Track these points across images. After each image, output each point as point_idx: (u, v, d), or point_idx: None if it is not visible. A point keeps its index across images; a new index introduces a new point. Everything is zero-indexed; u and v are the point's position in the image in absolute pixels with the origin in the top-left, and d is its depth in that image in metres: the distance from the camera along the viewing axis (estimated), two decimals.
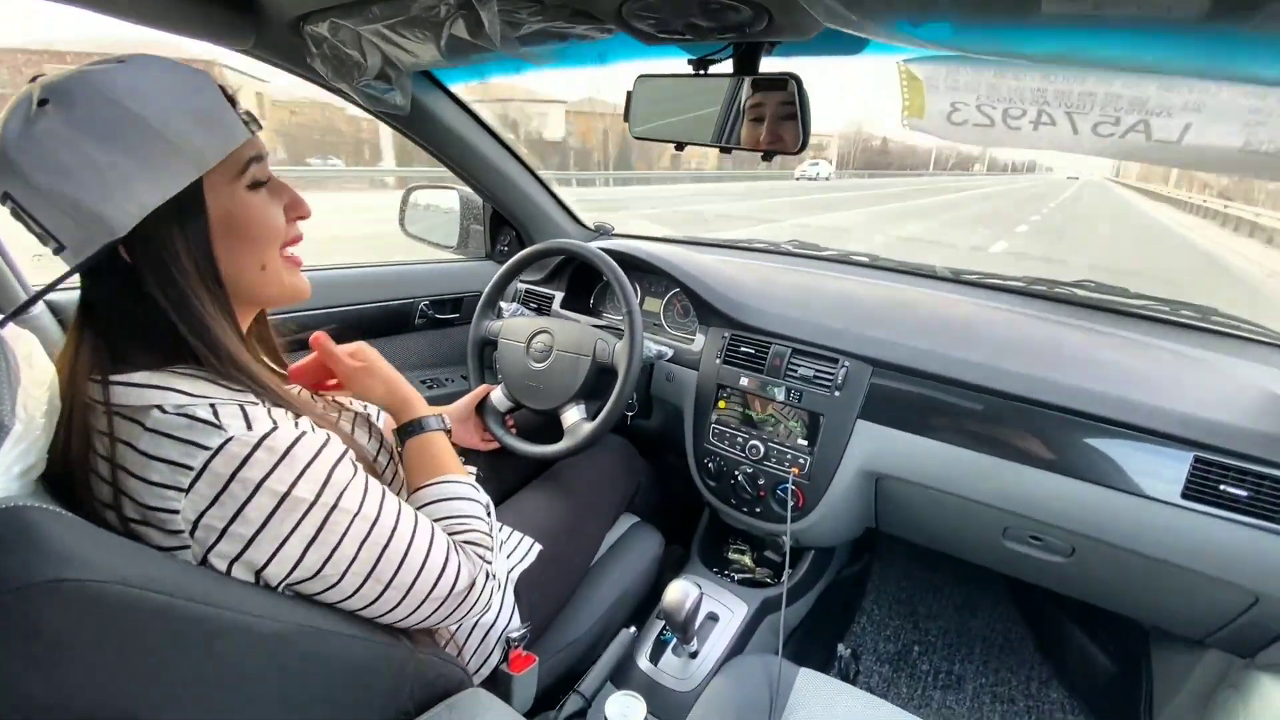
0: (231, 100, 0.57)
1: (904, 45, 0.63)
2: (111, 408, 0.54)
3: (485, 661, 0.90)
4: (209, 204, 0.56)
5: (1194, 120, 0.68)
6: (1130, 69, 0.55)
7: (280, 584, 0.56)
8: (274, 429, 0.54)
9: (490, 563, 0.69)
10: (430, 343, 1.54)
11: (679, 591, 0.95)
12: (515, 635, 0.92)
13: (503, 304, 1.37)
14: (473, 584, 0.66)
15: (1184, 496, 0.85)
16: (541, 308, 1.52)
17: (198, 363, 0.57)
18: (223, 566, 0.54)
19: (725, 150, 0.78)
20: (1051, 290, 1.25)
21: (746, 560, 1.35)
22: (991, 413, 0.98)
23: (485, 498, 0.76)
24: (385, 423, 0.86)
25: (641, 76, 0.82)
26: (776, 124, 0.70)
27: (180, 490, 0.51)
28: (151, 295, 0.55)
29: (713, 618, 1.14)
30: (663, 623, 1.11)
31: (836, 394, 1.09)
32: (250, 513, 0.52)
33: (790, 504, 1.12)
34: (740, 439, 1.20)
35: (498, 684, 0.89)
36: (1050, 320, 1.14)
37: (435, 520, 0.69)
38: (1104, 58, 0.54)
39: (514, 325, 1.24)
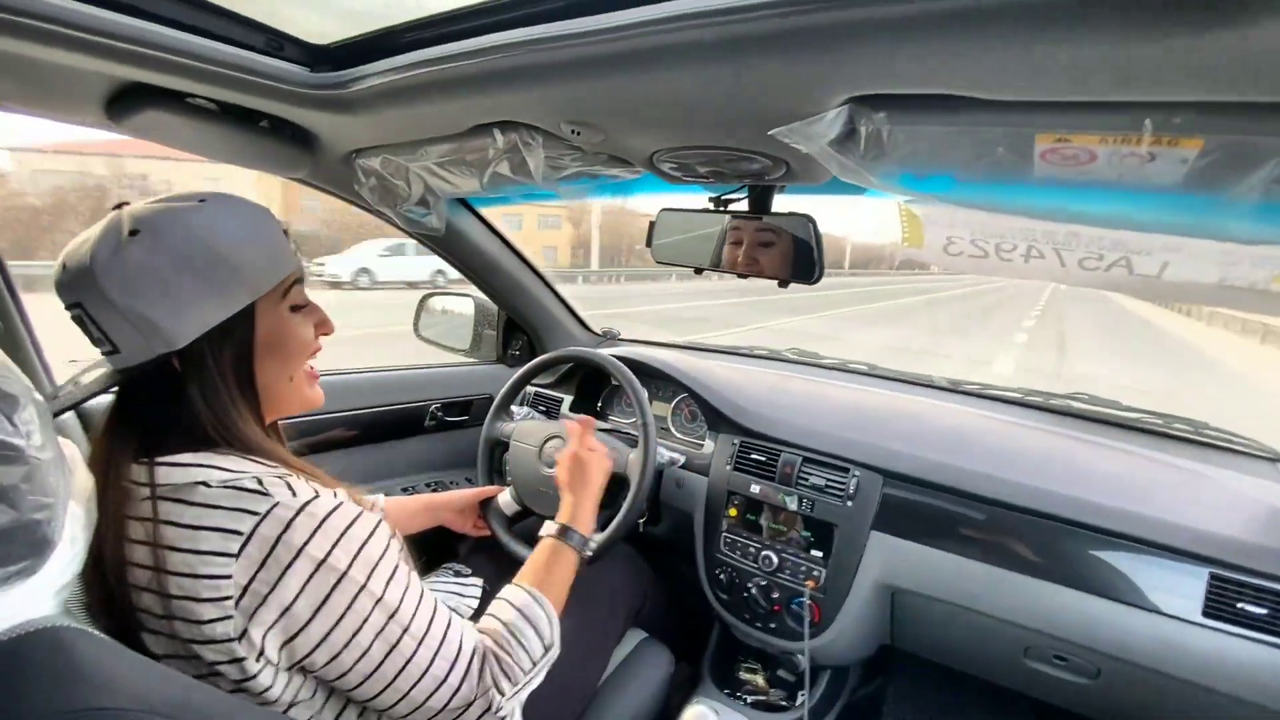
0: (284, 231, 0.65)
1: (907, 197, 0.70)
2: (156, 489, 0.57)
3: None
4: (258, 323, 0.62)
5: (1171, 259, 0.74)
6: (1114, 225, 0.61)
7: (302, 660, 0.57)
8: (315, 497, 0.57)
9: (504, 694, 0.67)
10: (439, 445, 1.55)
11: (696, 718, 0.91)
12: None
13: (514, 408, 1.40)
14: (469, 705, 0.65)
15: (1205, 615, 0.85)
16: (550, 410, 1.54)
17: (234, 449, 0.60)
18: (258, 637, 0.55)
19: (742, 276, 0.84)
20: (1047, 402, 1.29)
21: (759, 680, 1.29)
22: (1005, 525, 0.99)
23: (553, 638, 0.75)
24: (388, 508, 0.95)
25: (664, 210, 0.90)
26: (792, 254, 0.77)
27: (231, 556, 0.53)
28: (190, 397, 0.59)
29: None
30: None
31: (849, 504, 1.10)
32: (290, 579, 0.54)
33: (807, 619, 1.09)
34: (753, 549, 1.18)
35: None
36: (1048, 431, 1.18)
37: (493, 614, 0.72)
38: (1091, 215, 0.60)
39: (527, 428, 1.26)
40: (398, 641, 0.60)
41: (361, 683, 0.59)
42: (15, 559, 0.47)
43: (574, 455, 0.92)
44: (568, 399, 1.54)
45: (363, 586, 0.57)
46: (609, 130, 0.67)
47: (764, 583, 1.16)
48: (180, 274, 0.56)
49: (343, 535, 0.57)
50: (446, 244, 1.25)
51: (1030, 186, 0.60)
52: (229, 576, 0.53)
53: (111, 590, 0.57)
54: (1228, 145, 0.42)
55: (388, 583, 0.59)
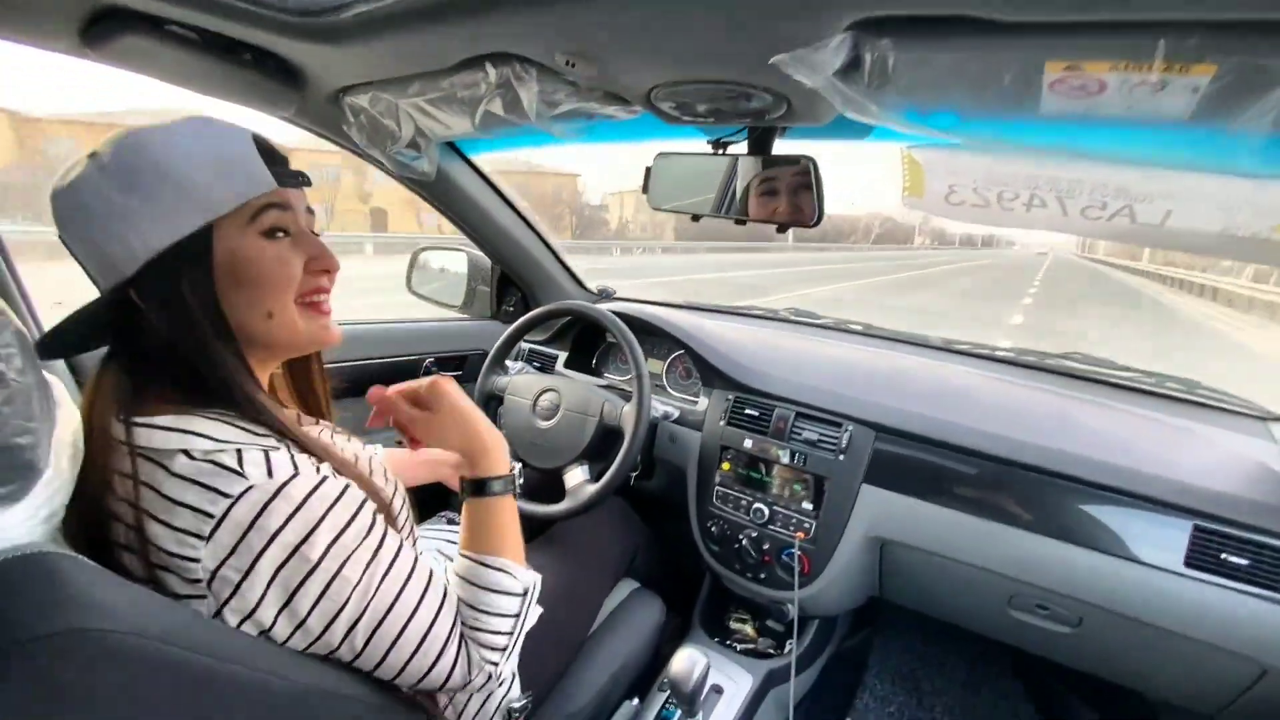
0: (274, 157, 0.59)
1: (911, 133, 0.68)
2: (135, 449, 0.54)
3: None
4: (216, 249, 0.56)
5: (1174, 206, 0.73)
6: (1122, 161, 0.60)
7: (285, 642, 0.55)
8: (294, 476, 0.54)
9: (496, 664, 0.66)
10: None
11: (686, 661, 0.93)
12: (517, 706, 0.88)
13: (509, 362, 1.39)
14: (468, 683, 0.65)
15: (1187, 565, 0.87)
16: (545, 366, 1.54)
17: (222, 406, 0.57)
18: (234, 623, 0.53)
19: (740, 222, 0.83)
20: (1041, 361, 1.29)
21: (749, 630, 1.31)
22: (993, 479, 1.00)
23: (524, 584, 0.70)
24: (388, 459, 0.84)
25: (661, 154, 0.87)
26: (792, 198, 0.75)
27: (201, 538, 0.51)
28: (157, 334, 0.56)
29: (717, 690, 1.11)
30: (665, 694, 1.07)
31: (841, 458, 1.11)
32: (262, 565, 0.52)
33: (796, 570, 1.11)
34: (745, 502, 1.20)
35: None
36: (1041, 389, 1.18)
37: (460, 597, 0.67)
38: (1097, 150, 0.59)
39: (521, 382, 1.26)
40: (380, 623, 0.58)
41: (354, 659, 0.58)
42: (1, 482, 0.47)
43: (418, 429, 0.75)
44: (563, 355, 1.53)
45: (336, 574, 0.54)
46: (605, 62, 0.65)
47: (755, 534, 1.18)
48: (126, 194, 0.53)
49: (321, 520, 0.53)
50: (438, 192, 1.22)
51: (1036, 124, 0.58)
52: (198, 560, 0.51)
53: (95, 540, 0.54)
54: (1239, 69, 0.41)
55: (366, 567, 0.56)
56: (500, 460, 0.74)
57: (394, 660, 0.60)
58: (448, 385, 0.74)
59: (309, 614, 0.54)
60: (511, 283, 1.63)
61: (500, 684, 0.67)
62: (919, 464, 1.05)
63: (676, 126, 0.87)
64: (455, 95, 0.80)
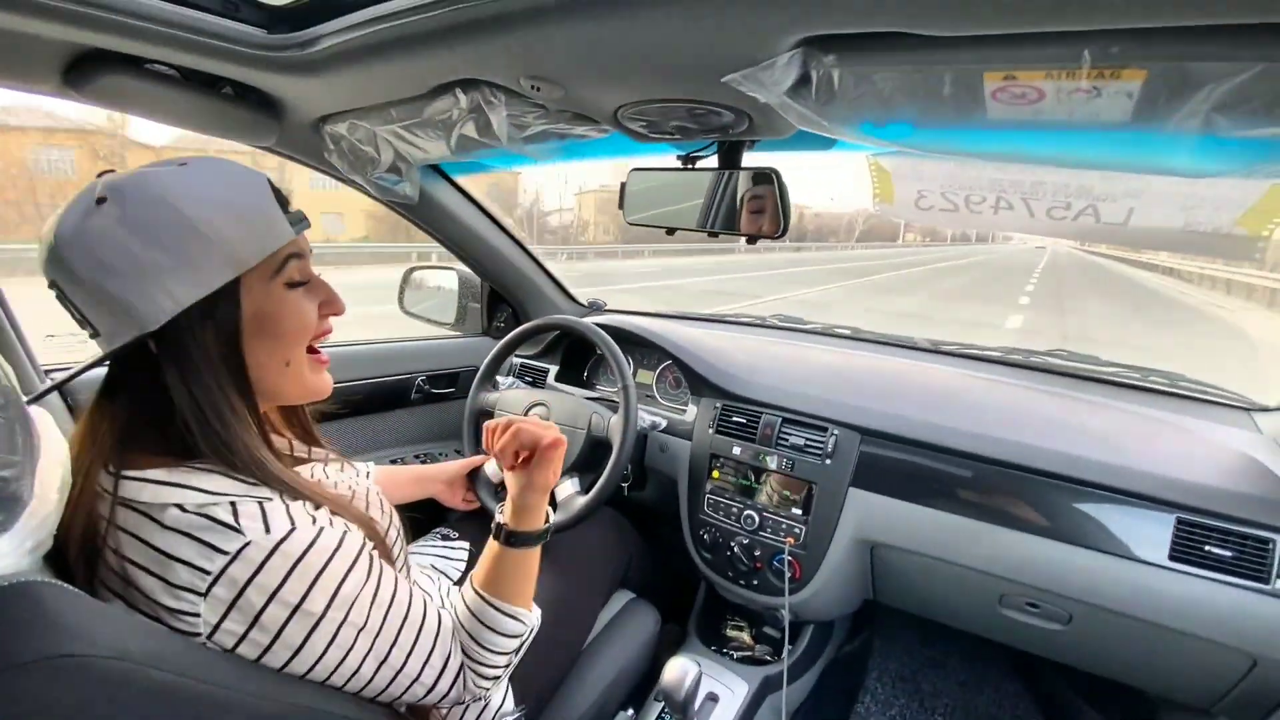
0: (284, 201, 0.59)
1: (867, 145, 0.70)
2: (120, 500, 0.54)
3: None
4: (243, 302, 0.56)
5: (1136, 205, 0.75)
6: (1071, 165, 0.62)
7: (299, 675, 0.57)
8: (291, 530, 0.54)
9: (488, 689, 0.70)
10: (426, 418, 1.56)
11: (678, 669, 0.93)
12: (510, 718, 0.89)
13: (499, 378, 1.41)
14: (461, 700, 0.69)
15: (1171, 559, 0.87)
16: (536, 381, 1.55)
17: (219, 459, 0.56)
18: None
19: (713, 235, 0.84)
20: (1027, 359, 1.30)
21: (745, 637, 1.32)
22: (979, 479, 1.00)
23: (530, 626, 0.75)
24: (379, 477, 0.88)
25: (634, 170, 0.89)
26: (758, 210, 0.77)
27: (199, 594, 0.51)
28: (170, 385, 0.55)
29: (712, 698, 1.11)
30: (661, 704, 1.08)
31: (827, 462, 1.12)
32: (265, 621, 0.52)
33: (788, 575, 1.12)
34: (735, 509, 1.20)
35: None
36: (1027, 388, 1.19)
37: (463, 627, 0.70)
38: (1047, 155, 0.61)
39: (510, 397, 1.27)
40: (386, 656, 0.60)
41: (358, 690, 0.61)
42: None
43: (506, 439, 0.76)
44: (554, 369, 1.55)
45: (342, 623, 0.56)
46: (569, 85, 0.67)
47: (746, 541, 1.18)
48: (149, 247, 0.51)
49: (319, 575, 0.54)
50: (422, 213, 1.25)
51: (988, 131, 0.60)
52: (197, 614, 0.52)
53: (83, 575, 0.55)
54: (1165, 73, 0.42)
55: (369, 610, 0.58)
56: (540, 519, 0.77)
57: (395, 687, 0.63)
58: (559, 451, 0.77)
59: (317, 662, 0.56)
60: (502, 299, 1.65)
61: (486, 704, 0.71)
62: (904, 466, 1.06)
63: (647, 144, 0.90)
64: (430, 121, 0.82)
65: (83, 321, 0.55)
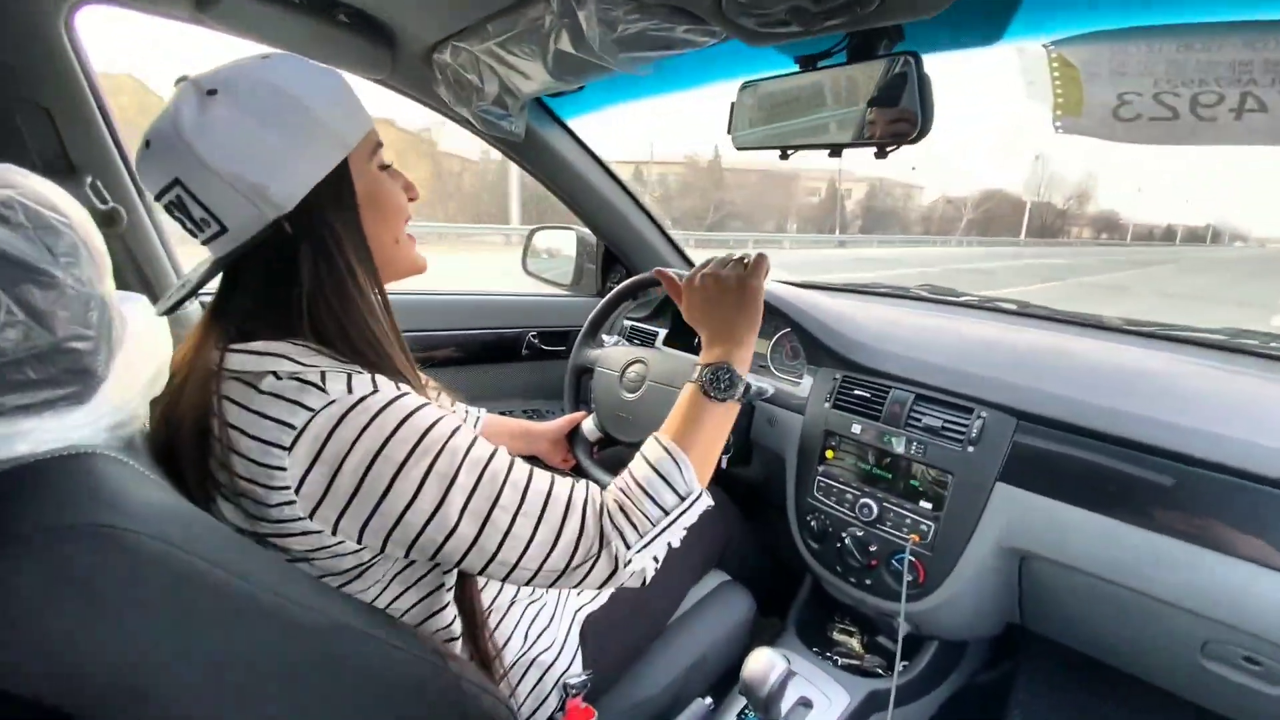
0: None
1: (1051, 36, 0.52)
2: (225, 370, 0.56)
3: (540, 706, 0.82)
4: (355, 181, 0.60)
5: None
6: None
7: (384, 543, 0.56)
8: (373, 391, 0.54)
9: (630, 546, 0.63)
10: (535, 374, 1.56)
11: (763, 662, 0.82)
12: (575, 682, 0.83)
13: (605, 336, 1.36)
14: (594, 560, 0.62)
15: None
16: (645, 343, 1.49)
17: (318, 340, 0.58)
18: (329, 521, 0.54)
19: (836, 152, 0.70)
20: (1264, 346, 0.99)
21: (855, 644, 1.15)
22: (1184, 486, 0.76)
23: (692, 490, 0.68)
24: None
25: (746, 84, 0.78)
26: (893, 110, 0.62)
27: (284, 449, 0.52)
28: (303, 266, 0.57)
29: (805, 703, 0.98)
30: (745, 700, 0.96)
31: (970, 449, 0.92)
32: (346, 471, 0.52)
33: (908, 578, 0.94)
34: (850, 496, 1.05)
35: None
36: (1260, 378, 0.90)
37: (629, 469, 0.68)
38: None
39: (611, 354, 1.22)
40: (487, 517, 0.56)
41: (461, 558, 0.57)
42: (60, 383, 0.50)
43: (695, 286, 0.79)
44: (663, 332, 1.47)
45: (429, 471, 0.54)
46: None
47: (860, 534, 1.02)
48: (273, 131, 0.54)
49: (400, 425, 0.54)
50: (529, 154, 1.21)
51: None
52: (284, 469, 0.53)
53: (188, 460, 0.57)
54: None
55: (459, 463, 0.56)
56: (739, 361, 0.75)
57: (515, 539, 0.58)
58: (766, 264, 0.79)
59: (401, 518, 0.54)
60: (617, 260, 1.60)
61: (629, 573, 0.63)
62: (1074, 462, 0.84)
63: (767, 57, 0.77)
64: (526, 34, 0.77)
65: (206, 219, 0.55)
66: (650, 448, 0.70)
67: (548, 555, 0.59)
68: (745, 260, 0.81)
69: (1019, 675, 1.29)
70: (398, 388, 0.57)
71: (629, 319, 1.53)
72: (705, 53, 0.77)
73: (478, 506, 0.56)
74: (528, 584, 0.61)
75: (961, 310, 1.33)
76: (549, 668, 0.83)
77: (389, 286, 0.66)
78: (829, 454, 1.09)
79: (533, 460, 1.15)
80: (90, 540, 0.44)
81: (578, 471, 1.15)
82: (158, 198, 0.56)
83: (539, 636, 0.83)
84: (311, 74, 0.57)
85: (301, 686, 0.53)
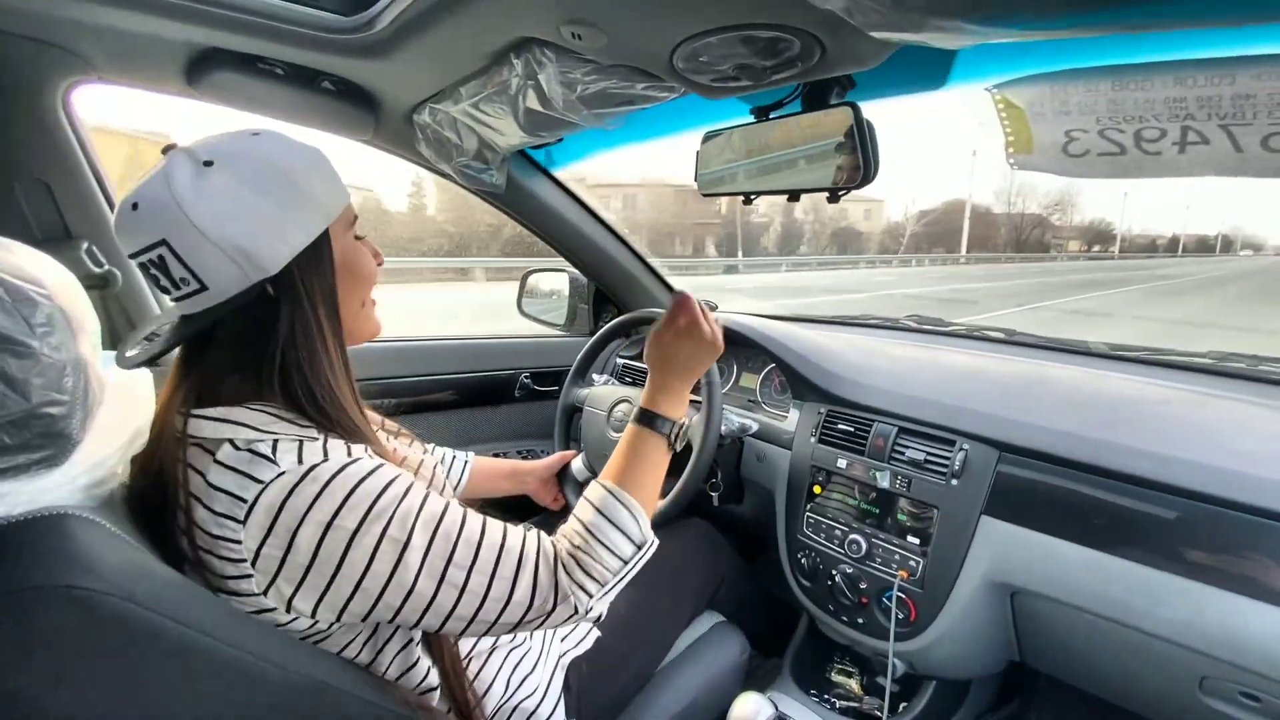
0: None
1: (988, 81, 0.54)
2: (188, 437, 0.57)
3: None
4: (334, 250, 0.63)
5: None
6: None
7: (341, 612, 0.56)
8: (323, 460, 0.55)
9: (591, 595, 0.64)
10: (528, 414, 1.57)
11: (749, 707, 0.81)
12: None
13: (595, 375, 1.37)
14: (551, 611, 0.62)
15: None
16: (637, 381, 1.49)
17: (284, 395, 0.60)
18: (285, 594, 0.55)
19: (794, 197, 0.72)
20: (1254, 368, 0.98)
21: (853, 686, 1.13)
22: (1174, 518, 0.75)
23: (645, 537, 0.70)
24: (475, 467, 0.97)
25: (708, 134, 0.80)
26: (841, 158, 0.64)
27: (239, 521, 0.53)
28: (279, 328, 0.59)
29: None
30: None
31: (954, 482, 0.91)
32: (300, 543, 0.53)
33: (898, 615, 0.93)
34: (839, 532, 1.04)
35: None
36: (1250, 403, 0.88)
37: (575, 515, 0.69)
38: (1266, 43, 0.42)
39: (599, 393, 1.23)
40: (443, 575, 0.57)
41: (420, 618, 0.58)
42: (35, 447, 0.51)
43: (664, 329, 0.82)
44: None
45: (381, 536, 0.55)
46: (610, 29, 0.61)
47: (850, 570, 1.01)
48: (261, 198, 0.57)
49: (350, 493, 0.55)
50: (515, 204, 1.25)
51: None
52: (239, 541, 0.54)
53: (161, 520, 0.58)
54: None
55: (412, 525, 0.56)
56: (681, 408, 0.80)
57: (471, 594, 0.59)
58: (705, 323, 0.83)
59: (358, 586, 0.55)
60: (608, 299, 1.62)
61: (587, 619, 0.65)
62: (1058, 493, 0.83)
63: (728, 107, 0.80)
64: (494, 95, 0.81)
65: (186, 279, 0.57)
66: (594, 491, 0.71)
67: (503, 609, 0.60)
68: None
69: (1028, 714, 1.25)
70: (349, 453, 0.58)
71: (621, 357, 1.55)
72: (669, 104, 0.81)
73: (433, 566, 0.57)
74: (488, 635, 0.62)
75: (947, 340, 1.33)
76: (531, 715, 0.81)
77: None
78: (817, 489, 1.08)
79: (523, 500, 1.16)
80: (56, 601, 0.45)
81: (567, 511, 1.15)
82: (134, 255, 0.58)
83: (521, 683, 0.82)
84: (297, 150, 0.61)
85: None
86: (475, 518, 0.62)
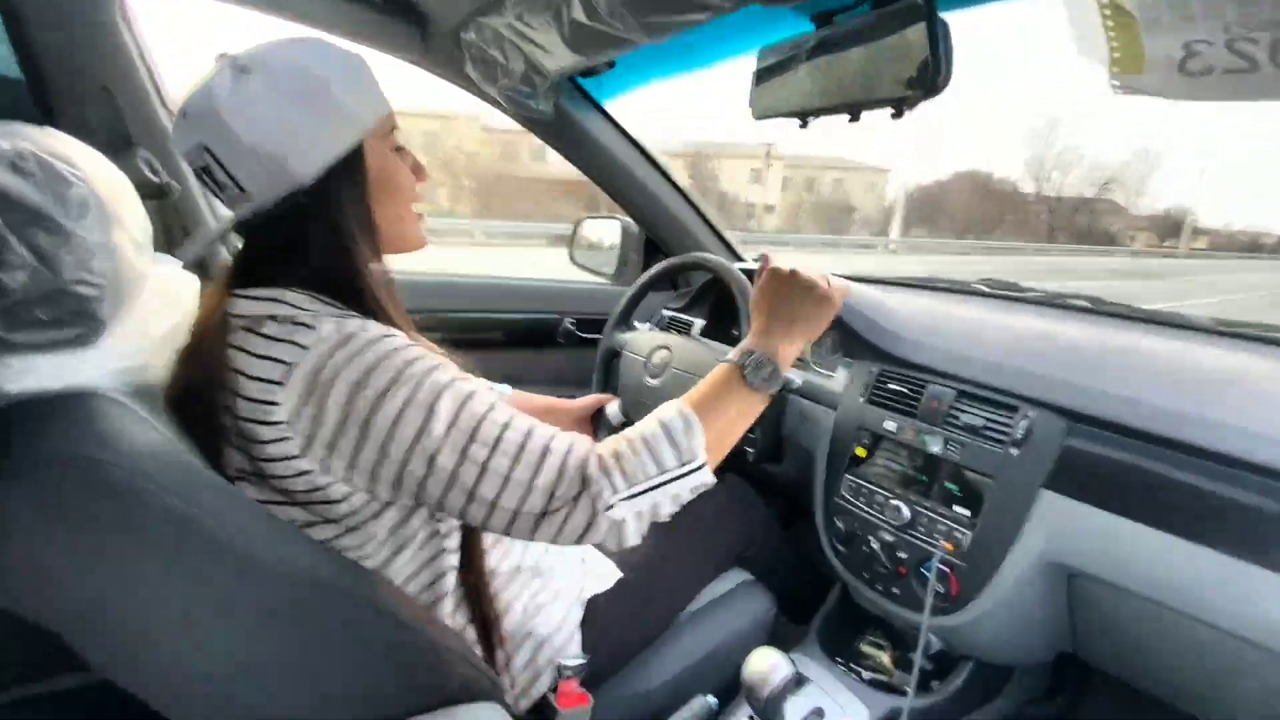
0: None
1: None
2: (232, 318, 0.60)
3: (533, 684, 0.81)
4: (368, 160, 0.63)
5: None
6: None
7: (372, 480, 0.58)
8: (362, 329, 0.57)
9: (618, 490, 0.61)
10: (570, 360, 1.56)
11: (764, 662, 0.77)
12: (571, 664, 0.81)
13: (638, 323, 1.34)
14: (577, 495, 0.60)
15: None
16: (681, 333, 1.45)
17: (332, 291, 0.62)
18: (319, 457, 0.57)
19: (854, 116, 0.65)
20: None
21: (884, 659, 1.07)
22: (1261, 500, 0.66)
23: (695, 458, 0.66)
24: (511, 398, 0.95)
25: (763, 50, 0.74)
26: (908, 64, 0.56)
27: (278, 384, 0.56)
28: (311, 236, 0.61)
29: (818, 713, 0.91)
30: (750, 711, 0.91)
31: (1013, 452, 0.83)
32: (331, 402, 0.55)
33: (937, 588, 0.87)
34: (881, 497, 0.97)
35: (536, 715, 0.79)
36: None
37: (637, 429, 0.66)
38: None
39: (639, 339, 1.20)
40: (465, 449, 0.57)
41: (441, 496, 0.58)
42: (65, 324, 0.53)
43: (779, 273, 0.82)
44: (700, 323, 1.43)
45: (409, 399, 0.55)
46: None
47: (890, 539, 0.95)
48: (299, 109, 0.58)
49: (384, 358, 0.56)
50: (565, 138, 1.21)
51: None
52: (278, 403, 0.56)
53: (200, 407, 0.61)
54: None
55: (440, 393, 0.57)
56: (789, 360, 0.77)
57: (493, 474, 0.58)
58: (824, 283, 0.84)
59: (387, 441, 0.56)
60: (659, 249, 1.58)
61: (608, 521, 0.61)
62: (1132, 469, 0.74)
63: (786, 19, 0.73)
64: (542, 8, 0.77)
65: (228, 183, 0.60)
66: (664, 408, 0.69)
67: (525, 495, 0.59)
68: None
69: (1080, 709, 1.16)
70: (389, 331, 0.59)
71: (668, 309, 1.50)
72: (723, 26, 0.74)
73: (456, 439, 0.57)
74: (507, 531, 0.60)
75: (1022, 307, 1.21)
76: (544, 643, 0.81)
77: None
78: (860, 452, 1.02)
79: None
80: (73, 472, 0.47)
81: None
82: (188, 161, 0.61)
83: (539, 612, 0.82)
84: (338, 58, 0.61)
85: (269, 633, 0.54)
86: (505, 406, 0.61)
